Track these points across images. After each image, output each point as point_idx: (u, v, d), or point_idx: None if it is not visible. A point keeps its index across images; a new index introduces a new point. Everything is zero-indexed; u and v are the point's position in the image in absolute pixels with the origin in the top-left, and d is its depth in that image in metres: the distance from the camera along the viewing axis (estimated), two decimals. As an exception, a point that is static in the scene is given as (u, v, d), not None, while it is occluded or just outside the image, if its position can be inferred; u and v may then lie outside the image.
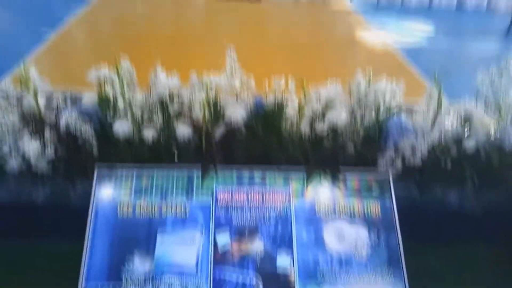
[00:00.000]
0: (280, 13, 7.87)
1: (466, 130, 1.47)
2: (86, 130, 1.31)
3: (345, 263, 1.27)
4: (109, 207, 1.29)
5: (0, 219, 1.39)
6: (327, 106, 1.44)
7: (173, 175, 1.34)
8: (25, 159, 1.29)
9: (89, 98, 1.39)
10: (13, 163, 1.30)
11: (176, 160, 1.40)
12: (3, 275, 1.40)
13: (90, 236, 1.25)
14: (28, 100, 1.36)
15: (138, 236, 1.27)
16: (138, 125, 1.37)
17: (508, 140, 1.44)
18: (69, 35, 5.83)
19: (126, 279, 1.21)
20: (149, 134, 1.34)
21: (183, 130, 1.36)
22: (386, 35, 6.78)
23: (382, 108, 1.47)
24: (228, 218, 1.30)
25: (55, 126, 1.32)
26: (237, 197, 1.33)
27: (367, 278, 1.26)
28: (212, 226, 1.28)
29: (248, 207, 1.32)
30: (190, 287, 1.21)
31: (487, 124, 1.45)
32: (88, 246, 1.23)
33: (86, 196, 1.29)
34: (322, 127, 1.44)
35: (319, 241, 1.29)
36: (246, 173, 1.36)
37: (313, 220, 1.32)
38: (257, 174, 1.36)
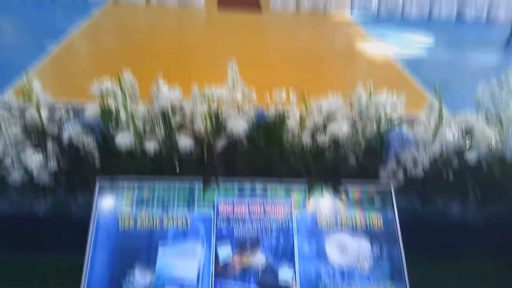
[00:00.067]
0: (281, 24, 7.94)
1: (467, 142, 1.47)
2: (89, 142, 1.31)
3: (347, 275, 1.26)
4: (110, 219, 1.29)
5: (1, 230, 1.38)
6: (329, 118, 1.44)
7: (174, 187, 1.34)
8: (27, 171, 1.29)
9: (92, 110, 1.40)
10: (16, 175, 1.30)
11: (177, 171, 1.40)
12: (4, 286, 1.40)
13: (91, 248, 1.24)
14: (31, 112, 1.37)
15: (139, 248, 1.26)
16: (140, 137, 1.37)
17: (510, 152, 1.44)
18: (71, 47, 5.88)
19: (127, 291, 1.20)
20: (151, 146, 1.34)
21: (185, 142, 1.36)
22: (386, 46, 6.82)
23: (383, 120, 1.47)
24: (230, 230, 1.30)
25: (58, 138, 1.32)
26: (238, 209, 1.33)
27: (370, 291, 1.25)
28: (213, 238, 1.28)
29: (250, 219, 1.32)
30: (191, 300, 1.20)
31: (488, 136, 1.45)
32: (89, 258, 1.23)
33: (88, 208, 1.29)
34: (323, 139, 1.44)
35: (321, 254, 1.29)
36: (247, 185, 1.36)
37: (315, 232, 1.32)
38: (259, 186, 1.36)
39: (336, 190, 1.35)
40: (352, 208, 1.36)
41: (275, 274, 1.25)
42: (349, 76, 5.78)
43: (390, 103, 1.45)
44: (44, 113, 1.39)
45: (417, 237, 1.36)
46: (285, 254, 1.28)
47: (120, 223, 1.29)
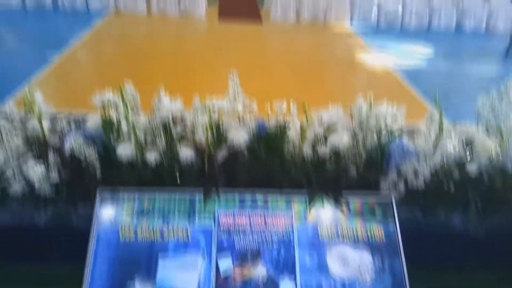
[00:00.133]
0: (282, 34, 7.99)
1: (468, 153, 1.47)
2: (90, 153, 1.31)
3: (349, 288, 1.25)
4: (111, 230, 1.28)
5: (2, 241, 1.38)
6: (329, 129, 1.45)
7: (175, 198, 1.33)
8: (28, 183, 1.29)
9: (93, 121, 1.40)
10: (17, 187, 1.30)
11: (178, 182, 1.40)
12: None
13: (91, 259, 1.24)
14: (33, 124, 1.37)
15: (139, 260, 1.26)
16: (141, 148, 1.37)
17: (511, 163, 1.44)
18: (73, 58, 5.92)
19: (127, 304, 1.19)
20: (152, 157, 1.34)
21: (186, 153, 1.36)
22: (386, 57, 6.86)
23: (383, 131, 1.47)
24: (230, 242, 1.29)
25: (59, 150, 1.32)
26: (239, 221, 1.32)
27: (372, 303, 1.24)
28: (214, 250, 1.27)
29: (251, 231, 1.31)
30: (191, 313, 1.19)
31: (489, 147, 1.45)
32: (89, 270, 1.22)
33: (88, 219, 1.29)
34: (324, 150, 1.44)
35: (322, 266, 1.28)
36: (248, 197, 1.36)
37: (316, 244, 1.31)
38: (260, 198, 1.36)
39: (337, 202, 1.35)
40: (353, 220, 1.35)
41: (276, 286, 1.24)
42: (349, 86, 5.80)
43: (390, 115, 1.46)
44: (46, 124, 1.39)
45: (419, 249, 1.36)
46: (286, 266, 1.27)
47: (120, 234, 1.28)
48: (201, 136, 1.39)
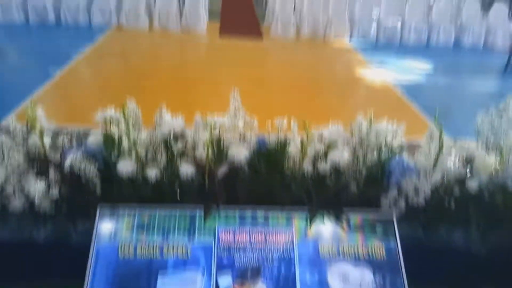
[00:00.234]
0: (282, 50, 8.07)
1: (468, 170, 1.47)
2: (90, 170, 1.31)
3: (349, 306, 1.24)
4: (110, 247, 1.28)
5: (1, 258, 1.37)
6: (330, 146, 1.45)
7: (175, 215, 1.33)
8: (28, 199, 1.29)
9: (95, 137, 1.41)
10: (17, 203, 1.30)
11: (178, 198, 1.40)
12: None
13: (90, 276, 1.23)
14: (34, 140, 1.37)
15: (138, 277, 1.25)
16: (142, 165, 1.38)
17: (511, 180, 1.44)
18: (75, 73, 5.97)
19: (126, 322, 1.18)
20: (152, 173, 1.35)
21: (186, 169, 1.36)
22: (385, 72, 6.92)
23: (384, 148, 1.48)
24: (230, 259, 1.28)
25: (60, 166, 1.32)
26: (239, 238, 1.31)
27: (373, 323, 1.22)
28: (213, 267, 1.26)
29: (251, 248, 1.30)
30: (190, 332, 1.17)
31: (489, 164, 1.45)
32: (88, 286, 1.21)
33: (88, 235, 1.28)
34: (324, 166, 1.44)
35: (323, 283, 1.27)
36: (248, 213, 1.35)
37: (317, 262, 1.30)
38: (260, 214, 1.35)
39: (337, 219, 1.35)
40: (354, 237, 1.34)
41: (276, 304, 1.23)
42: (349, 101, 5.84)
43: (390, 132, 1.46)
44: (47, 141, 1.40)
45: (420, 266, 1.35)
46: (286, 283, 1.26)
47: (120, 251, 1.27)
48: (202, 152, 1.39)
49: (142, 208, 1.32)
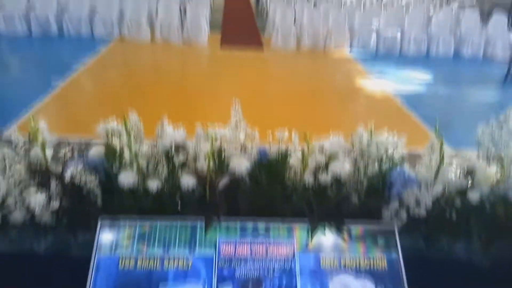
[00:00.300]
0: (282, 61, 8.14)
1: (469, 181, 1.47)
2: (92, 182, 1.32)
3: (351, 319, 1.23)
4: (111, 258, 1.27)
5: (2, 269, 1.37)
6: (330, 157, 1.46)
7: (176, 226, 1.33)
8: (29, 210, 1.29)
9: (96, 149, 1.42)
10: (18, 214, 1.30)
11: (179, 209, 1.40)
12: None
13: (90, 288, 1.22)
14: (36, 151, 1.38)
15: (139, 288, 1.24)
16: (143, 176, 1.38)
17: (512, 191, 1.44)
18: (77, 84, 6.01)
19: (126, 335, 1.17)
20: (153, 185, 1.35)
21: (187, 181, 1.36)
22: (386, 83, 6.96)
23: (384, 159, 1.48)
24: (231, 271, 1.28)
25: (61, 177, 1.33)
26: (240, 250, 1.31)
27: (375, 335, 1.21)
28: (214, 279, 1.26)
29: (252, 260, 1.30)
30: None
31: (490, 176, 1.46)
32: (88, 299, 1.21)
33: (89, 247, 1.28)
34: (325, 177, 1.45)
35: (324, 296, 1.26)
36: (249, 225, 1.35)
37: (318, 274, 1.29)
38: (261, 226, 1.35)
39: (339, 230, 1.34)
40: (355, 249, 1.34)
41: (277, 317, 1.22)
42: (349, 111, 5.86)
43: (391, 143, 1.47)
44: (49, 152, 1.40)
45: (422, 277, 1.34)
46: (288, 296, 1.25)
47: (120, 262, 1.27)
48: (203, 164, 1.39)
49: (143, 219, 1.32)
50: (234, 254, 1.30)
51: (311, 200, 1.43)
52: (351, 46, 8.86)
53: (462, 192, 1.46)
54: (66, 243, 1.38)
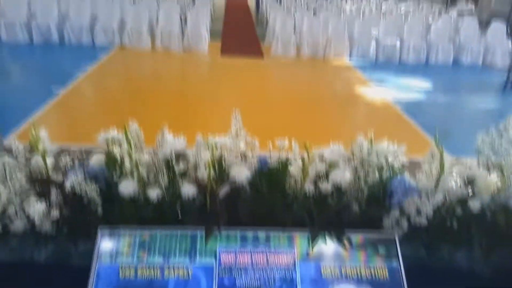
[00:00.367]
0: (282, 69, 8.17)
1: (469, 190, 1.47)
2: (92, 191, 1.32)
3: (352, 329, 1.22)
4: (111, 268, 1.27)
5: (2, 278, 1.36)
6: (331, 166, 1.46)
7: (176, 235, 1.33)
8: (29, 219, 1.29)
9: (97, 158, 1.42)
10: (18, 223, 1.30)
11: (179, 217, 1.40)
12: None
13: (90, 299, 1.22)
14: (36, 161, 1.38)
15: (139, 299, 1.23)
16: (143, 185, 1.38)
17: (513, 200, 1.44)
18: (78, 91, 6.03)
19: None
20: (154, 194, 1.35)
21: (188, 189, 1.36)
22: (385, 90, 6.98)
23: (385, 168, 1.48)
24: (232, 280, 1.27)
25: (61, 186, 1.33)
26: (241, 259, 1.31)
27: None
28: (215, 289, 1.25)
29: (252, 269, 1.30)
30: None
31: (490, 184, 1.46)
32: (88, 309, 1.20)
33: (89, 256, 1.28)
34: (326, 186, 1.45)
35: (325, 305, 1.25)
36: (250, 234, 1.35)
37: (319, 282, 1.29)
38: (261, 235, 1.35)
39: (339, 239, 1.34)
40: (356, 258, 1.34)
41: (278, 327, 1.21)
42: (349, 118, 5.87)
43: (391, 152, 1.47)
44: (50, 161, 1.41)
45: (423, 286, 1.33)
46: (288, 305, 1.25)
47: (120, 271, 1.27)
48: (204, 172, 1.40)
49: (143, 228, 1.32)
50: (235, 263, 1.30)
51: (311, 209, 1.43)
52: (350, 54, 8.90)
53: (463, 201, 1.46)
54: (67, 252, 1.38)
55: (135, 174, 1.37)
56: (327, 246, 1.34)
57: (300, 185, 1.50)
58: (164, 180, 1.39)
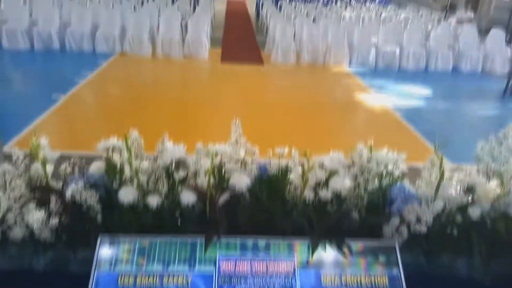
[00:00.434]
0: (282, 75, 8.20)
1: (469, 198, 1.47)
2: (92, 198, 1.32)
3: (353, 338, 1.21)
4: (110, 275, 1.26)
5: (0, 286, 1.36)
6: (331, 174, 1.46)
7: (176, 243, 1.32)
8: (28, 227, 1.29)
9: (96, 166, 1.42)
10: (17, 231, 1.29)
11: (179, 224, 1.40)
12: None
13: (89, 307, 1.21)
14: (36, 167, 1.39)
15: (138, 307, 1.23)
16: (143, 193, 1.38)
17: (513, 207, 1.44)
18: (78, 98, 6.05)
19: None
20: (154, 201, 1.35)
21: (187, 197, 1.36)
22: (385, 97, 7.00)
23: (385, 175, 1.48)
24: (231, 289, 1.27)
25: (61, 194, 1.33)
26: (240, 267, 1.30)
27: None
28: (214, 297, 1.25)
29: (252, 277, 1.29)
30: None
31: (490, 192, 1.46)
32: (87, 317, 1.19)
33: (88, 264, 1.27)
34: (326, 194, 1.45)
35: (325, 314, 1.25)
36: (250, 242, 1.34)
37: (319, 291, 1.28)
38: (261, 243, 1.34)
39: (339, 247, 1.34)
40: (356, 266, 1.33)
41: (278, 336, 1.21)
42: (349, 125, 5.88)
43: (391, 160, 1.47)
44: (49, 169, 1.41)
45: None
46: (288, 314, 1.24)
47: (120, 279, 1.26)
48: (203, 180, 1.40)
49: (143, 236, 1.32)
50: (234, 271, 1.29)
51: (311, 216, 1.43)
52: (350, 61, 8.93)
53: (463, 208, 1.46)
54: (66, 260, 1.37)
55: (135, 181, 1.37)
56: (327, 254, 1.34)
57: (300, 193, 1.50)
58: (163, 187, 1.39)
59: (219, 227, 1.33)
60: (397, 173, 1.50)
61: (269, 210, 1.45)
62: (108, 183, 1.41)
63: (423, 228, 1.41)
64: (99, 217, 1.35)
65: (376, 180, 1.49)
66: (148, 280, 1.26)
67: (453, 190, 1.45)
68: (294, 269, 1.31)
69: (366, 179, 1.47)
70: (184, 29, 9.12)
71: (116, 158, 1.42)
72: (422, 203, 1.42)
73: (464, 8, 15.10)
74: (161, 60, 8.39)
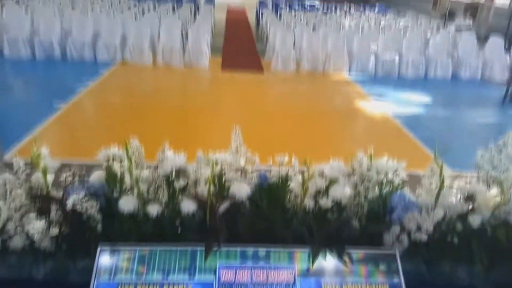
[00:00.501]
0: (282, 83, 8.23)
1: (470, 206, 1.47)
2: (92, 207, 1.32)
3: None
4: (110, 285, 1.26)
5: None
6: (331, 182, 1.46)
7: (175, 252, 1.32)
8: (28, 236, 1.29)
9: (97, 175, 1.42)
10: (17, 240, 1.29)
11: (179, 233, 1.39)
12: None
13: (88, 317, 1.21)
14: (37, 177, 1.39)
15: (138, 317, 1.22)
16: (143, 201, 1.38)
17: (513, 215, 1.44)
18: (79, 107, 6.07)
19: None
20: (154, 210, 1.35)
21: (188, 205, 1.37)
22: (385, 105, 7.02)
23: (385, 184, 1.49)
24: (232, 297, 1.26)
25: (61, 202, 1.33)
26: (241, 276, 1.30)
27: None
28: (215, 306, 1.24)
29: (252, 286, 1.29)
30: None
31: (490, 200, 1.46)
32: (86, 327, 1.19)
33: (88, 273, 1.27)
34: (326, 202, 1.45)
35: (326, 323, 1.24)
36: (250, 251, 1.34)
37: (319, 299, 1.28)
38: (261, 251, 1.34)
39: (340, 256, 1.33)
40: (356, 274, 1.33)
41: None
42: (349, 132, 5.89)
43: (391, 169, 1.48)
44: (50, 178, 1.41)
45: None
46: (289, 323, 1.23)
47: (120, 289, 1.26)
48: (203, 188, 1.40)
49: (142, 245, 1.32)
50: (234, 280, 1.29)
51: (311, 225, 1.43)
52: (350, 69, 8.97)
53: (463, 216, 1.46)
54: (66, 269, 1.37)
55: (135, 190, 1.37)
56: (328, 262, 1.34)
57: (300, 201, 1.50)
58: (164, 196, 1.40)
59: (219, 236, 1.33)
60: (397, 181, 1.50)
61: (269, 219, 1.45)
62: (108, 192, 1.41)
63: (423, 236, 1.41)
64: (99, 226, 1.35)
65: (376, 188, 1.49)
66: (148, 289, 1.26)
67: (454, 198, 1.45)
68: (295, 278, 1.30)
69: (366, 187, 1.48)
70: (184, 37, 9.18)
71: (116, 167, 1.42)
72: (423, 211, 1.42)
73: (463, 16, 15.20)
74: (162, 69, 8.43)
